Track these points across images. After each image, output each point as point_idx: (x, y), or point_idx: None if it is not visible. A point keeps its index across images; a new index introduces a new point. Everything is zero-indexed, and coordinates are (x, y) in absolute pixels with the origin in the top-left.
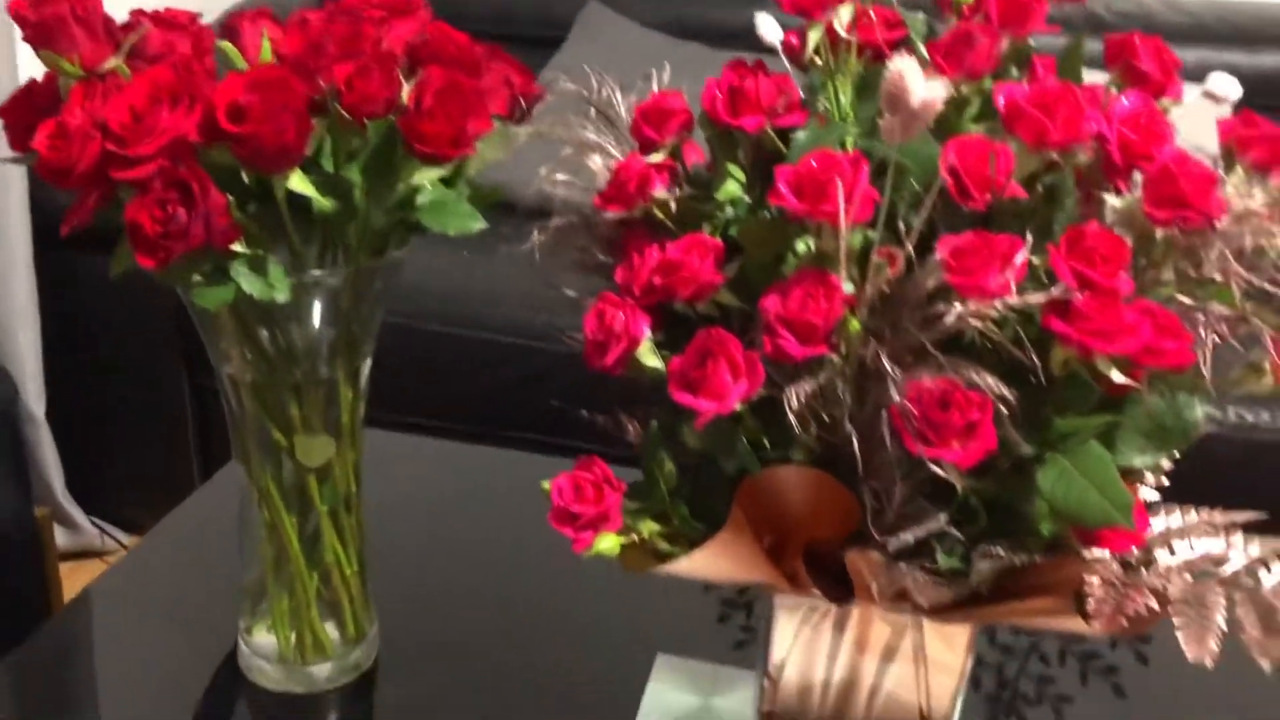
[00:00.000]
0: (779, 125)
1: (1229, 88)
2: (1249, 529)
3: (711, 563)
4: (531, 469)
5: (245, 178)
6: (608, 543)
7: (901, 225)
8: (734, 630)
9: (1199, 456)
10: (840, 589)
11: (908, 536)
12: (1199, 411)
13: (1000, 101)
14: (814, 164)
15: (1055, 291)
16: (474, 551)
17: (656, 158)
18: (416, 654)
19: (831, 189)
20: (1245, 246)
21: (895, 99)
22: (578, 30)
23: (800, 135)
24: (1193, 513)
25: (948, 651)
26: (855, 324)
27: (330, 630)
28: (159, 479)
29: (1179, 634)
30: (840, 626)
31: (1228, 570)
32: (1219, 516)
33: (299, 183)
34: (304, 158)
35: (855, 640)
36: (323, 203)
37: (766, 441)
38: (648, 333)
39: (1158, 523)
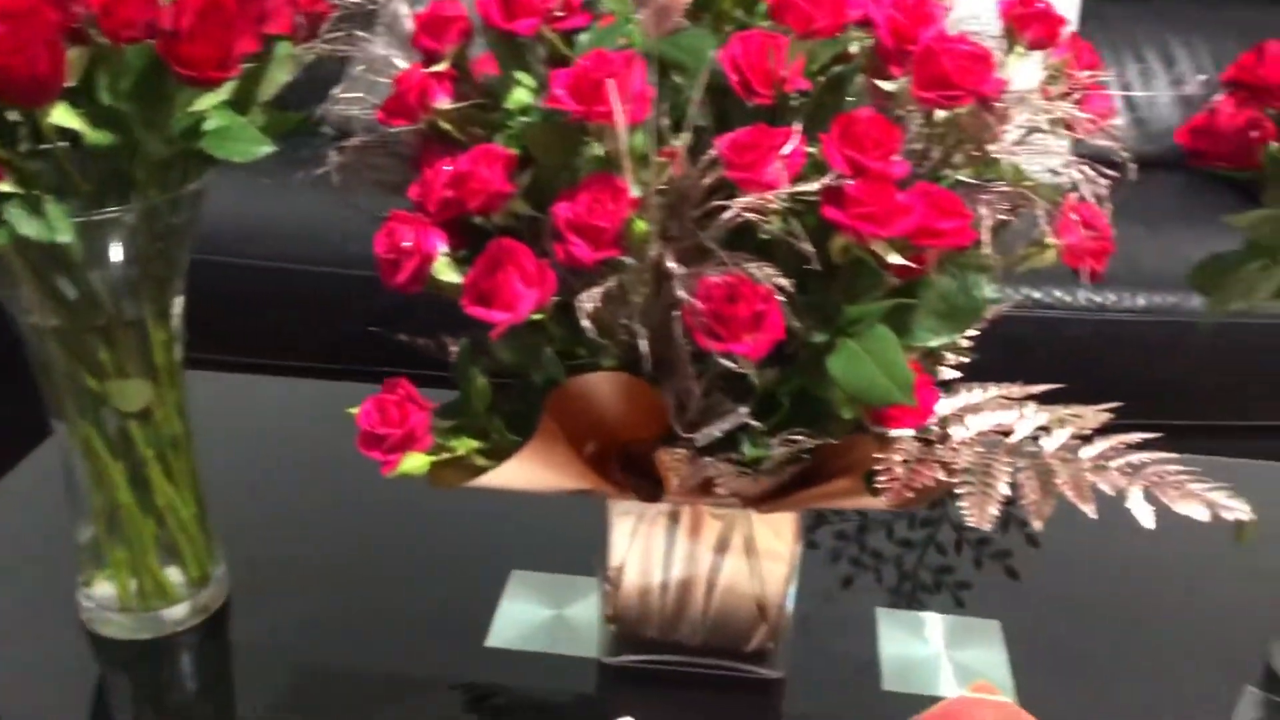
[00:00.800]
0: (563, 28)
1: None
2: (1052, 400)
3: (524, 473)
4: (359, 398)
5: (10, 115)
6: (414, 462)
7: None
8: (588, 541)
9: (1052, 340)
10: (655, 488)
11: (713, 430)
12: (987, 289)
13: None
14: (587, 65)
15: (828, 179)
16: (318, 485)
17: (438, 67)
18: (267, 590)
19: (604, 89)
20: (1023, 123)
21: None
22: None
23: (584, 38)
24: (992, 389)
25: (776, 541)
26: (641, 225)
27: (173, 574)
28: None
29: (962, 503)
30: (673, 526)
31: (1014, 439)
32: (1016, 390)
33: (64, 115)
34: (68, 89)
35: (688, 538)
36: (94, 135)
37: (581, 350)
38: (442, 247)
39: (957, 400)
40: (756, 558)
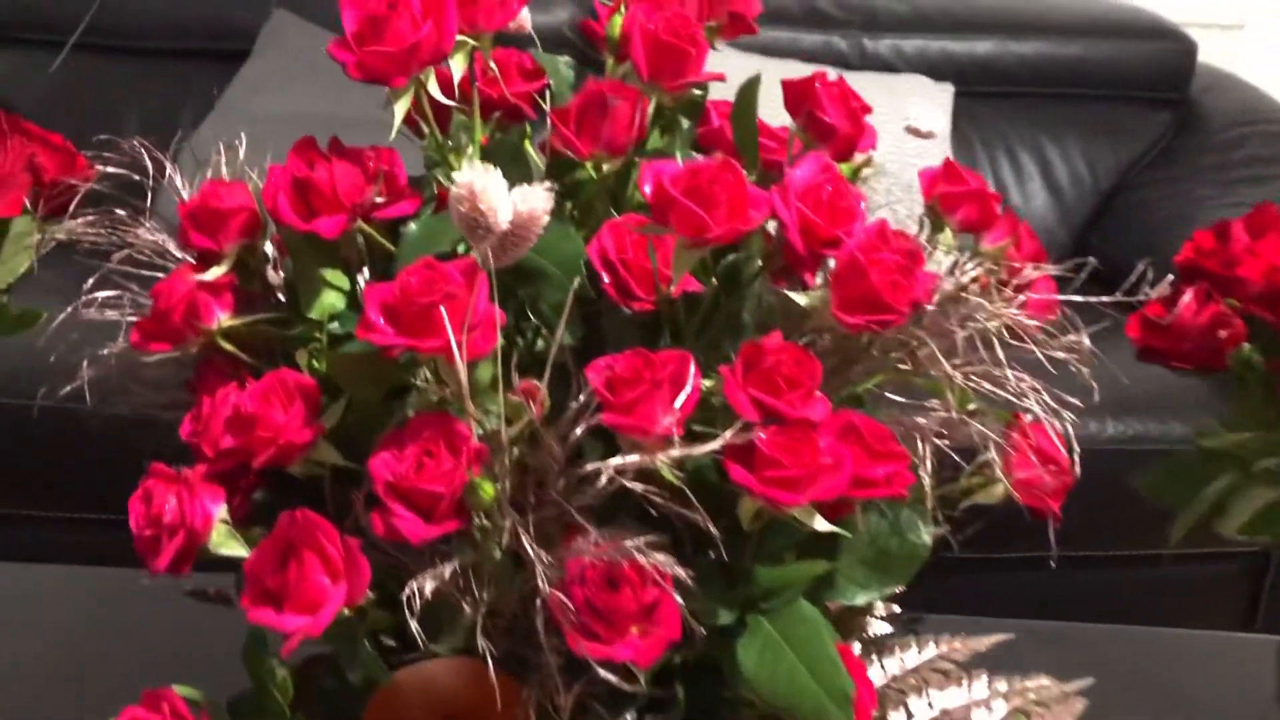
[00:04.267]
0: (385, 217)
1: (931, 120)
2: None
3: None
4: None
5: None
6: None
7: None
8: None
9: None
10: None
11: None
12: (926, 532)
13: (646, 188)
14: (413, 281)
15: (732, 433)
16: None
17: (215, 273)
18: None
19: (436, 315)
20: (960, 331)
21: (472, 224)
22: (264, 41)
23: (412, 230)
24: (929, 643)
25: None
26: (488, 490)
27: None
28: None
29: None
30: None
31: None
32: (959, 646)
33: None
34: None
35: None
36: None
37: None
38: (219, 511)
39: (891, 663)
40: None
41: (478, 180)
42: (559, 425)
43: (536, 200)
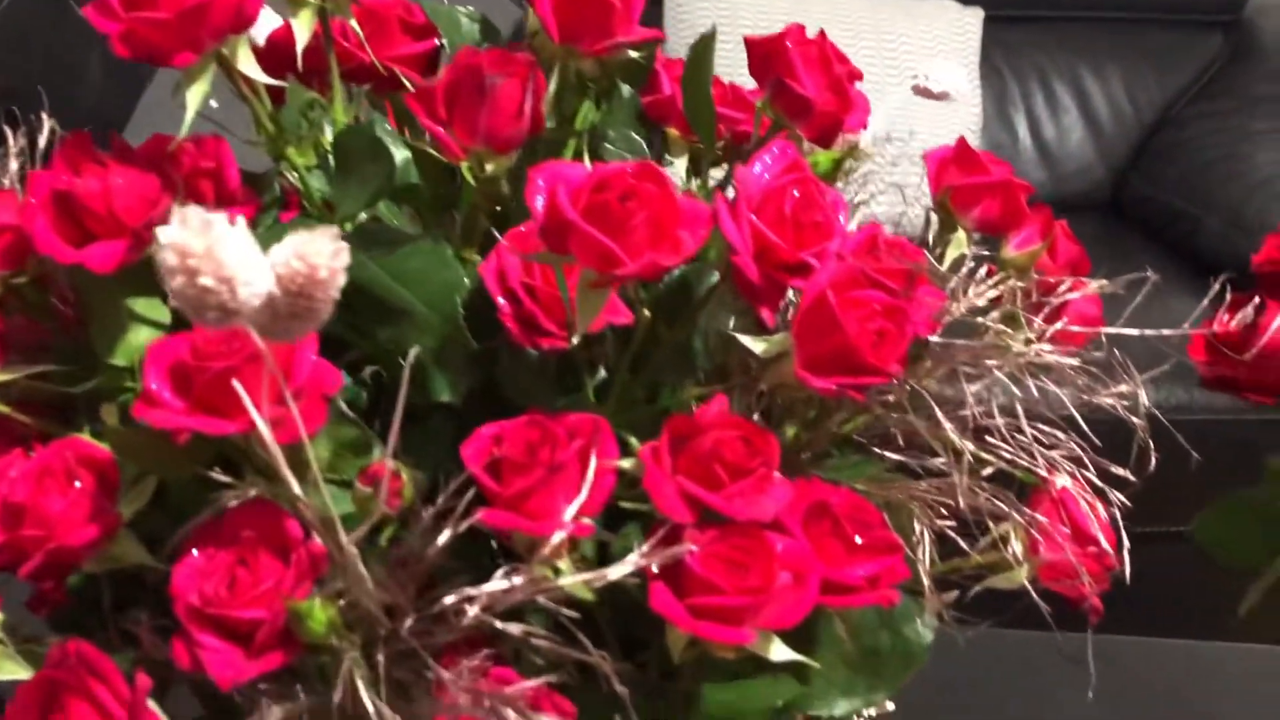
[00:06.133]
0: None
1: (948, 76)
2: None
3: None
4: None
5: None
6: None
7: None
8: None
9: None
10: None
11: None
12: (926, 627)
13: (535, 205)
14: (208, 335)
15: (649, 548)
16: None
17: None
18: None
19: (228, 387)
20: (972, 375)
21: (200, 304)
22: None
23: None
24: None
25: None
26: (319, 617)
27: None
28: None
29: None
30: None
31: None
32: None
33: None
34: None
35: None
36: None
37: None
38: None
39: None
40: None
41: (194, 239)
42: (413, 535)
43: (319, 253)
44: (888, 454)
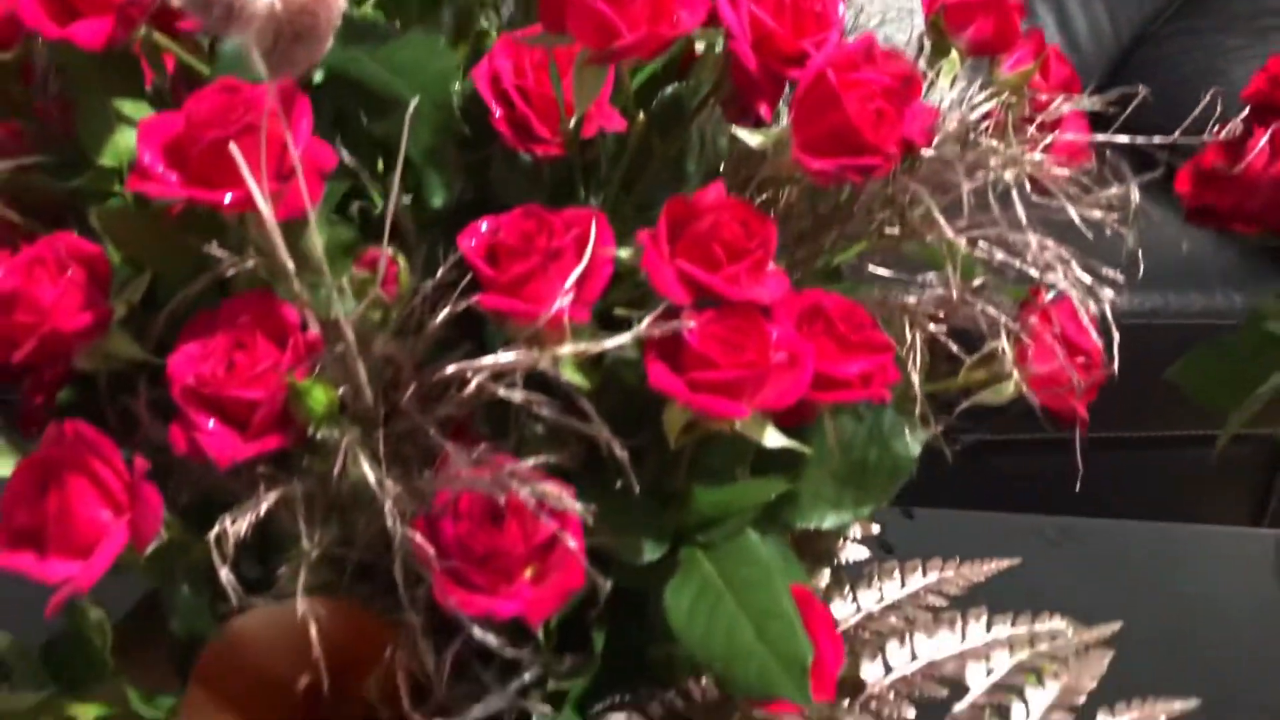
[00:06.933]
0: (192, 28)
1: None
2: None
3: None
4: None
5: None
6: None
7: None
8: None
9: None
10: None
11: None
12: (914, 440)
13: None
14: (202, 107)
15: (651, 321)
16: None
17: None
18: None
19: (224, 159)
20: (967, 183)
21: (207, 4)
22: None
23: (230, 45)
24: (916, 575)
25: None
26: (319, 397)
27: None
28: None
29: None
30: None
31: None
32: (952, 575)
33: None
34: None
35: None
36: None
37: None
38: None
39: (868, 597)
40: None
41: None
42: (410, 311)
43: None
44: (882, 273)
